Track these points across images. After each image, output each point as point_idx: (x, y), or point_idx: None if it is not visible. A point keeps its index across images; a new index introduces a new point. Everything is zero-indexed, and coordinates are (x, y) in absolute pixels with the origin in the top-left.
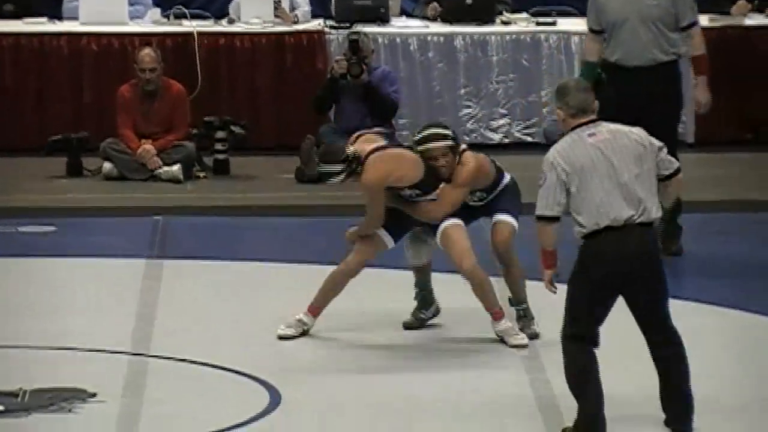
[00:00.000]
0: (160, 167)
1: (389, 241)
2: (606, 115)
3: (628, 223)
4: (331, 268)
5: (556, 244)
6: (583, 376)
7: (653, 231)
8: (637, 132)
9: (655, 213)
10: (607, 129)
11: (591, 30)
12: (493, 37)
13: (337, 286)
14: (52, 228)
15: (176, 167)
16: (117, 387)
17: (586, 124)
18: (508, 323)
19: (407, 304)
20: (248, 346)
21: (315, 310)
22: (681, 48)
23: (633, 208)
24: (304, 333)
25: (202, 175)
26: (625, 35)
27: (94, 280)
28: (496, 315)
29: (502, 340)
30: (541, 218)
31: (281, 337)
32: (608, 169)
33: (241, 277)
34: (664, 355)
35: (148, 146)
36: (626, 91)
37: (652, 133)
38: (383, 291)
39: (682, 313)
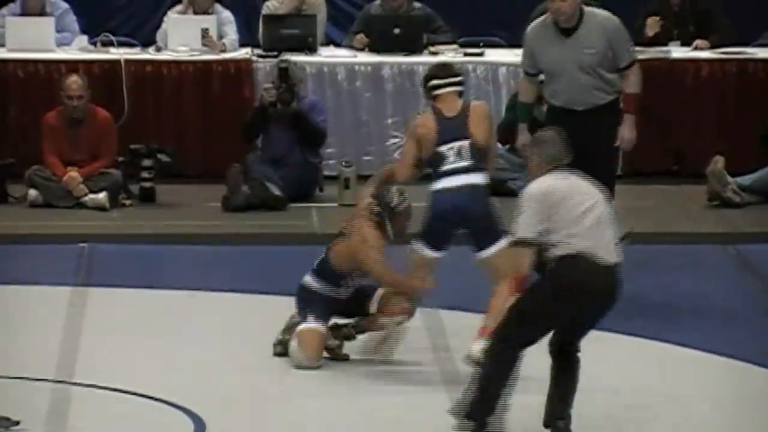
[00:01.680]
0: (86, 195)
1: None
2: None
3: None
4: (257, 297)
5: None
6: (510, 382)
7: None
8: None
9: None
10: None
11: (526, 72)
12: (420, 67)
13: None
14: None
15: (102, 195)
16: (40, 415)
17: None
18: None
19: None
20: (172, 374)
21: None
22: (621, 85)
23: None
24: None
25: (128, 202)
26: (565, 83)
27: (18, 306)
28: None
29: None
30: (520, 242)
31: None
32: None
33: (167, 305)
34: (572, 364)
35: (73, 173)
36: (575, 133)
37: (595, 170)
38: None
39: (602, 343)
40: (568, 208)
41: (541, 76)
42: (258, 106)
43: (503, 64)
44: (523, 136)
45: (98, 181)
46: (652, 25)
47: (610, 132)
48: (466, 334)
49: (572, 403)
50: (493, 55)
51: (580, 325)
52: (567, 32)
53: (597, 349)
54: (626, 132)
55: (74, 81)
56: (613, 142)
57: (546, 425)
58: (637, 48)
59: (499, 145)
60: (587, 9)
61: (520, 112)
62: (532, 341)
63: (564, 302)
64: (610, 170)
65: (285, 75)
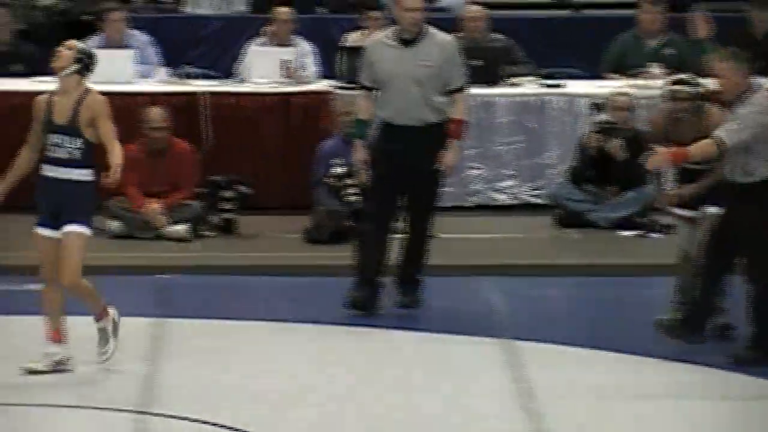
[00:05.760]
0: (166, 226)
1: None
2: (376, 172)
3: None
4: (335, 328)
5: None
6: None
7: None
8: None
9: None
10: None
11: (363, 87)
12: (499, 99)
13: None
14: None
15: (183, 226)
16: None
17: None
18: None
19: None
20: (251, 404)
21: None
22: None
23: None
24: None
25: (208, 234)
26: (395, 94)
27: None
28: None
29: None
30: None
31: None
32: None
33: (246, 336)
34: None
35: (154, 204)
36: (395, 149)
37: (418, 194)
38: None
39: None
40: None
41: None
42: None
43: (582, 96)
44: (361, 153)
45: (179, 212)
46: None
47: (436, 155)
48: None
49: None
50: (573, 86)
51: None
52: (407, 43)
53: None
54: (450, 158)
55: (156, 112)
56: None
57: None
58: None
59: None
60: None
61: (357, 130)
62: None
63: None
64: (433, 195)
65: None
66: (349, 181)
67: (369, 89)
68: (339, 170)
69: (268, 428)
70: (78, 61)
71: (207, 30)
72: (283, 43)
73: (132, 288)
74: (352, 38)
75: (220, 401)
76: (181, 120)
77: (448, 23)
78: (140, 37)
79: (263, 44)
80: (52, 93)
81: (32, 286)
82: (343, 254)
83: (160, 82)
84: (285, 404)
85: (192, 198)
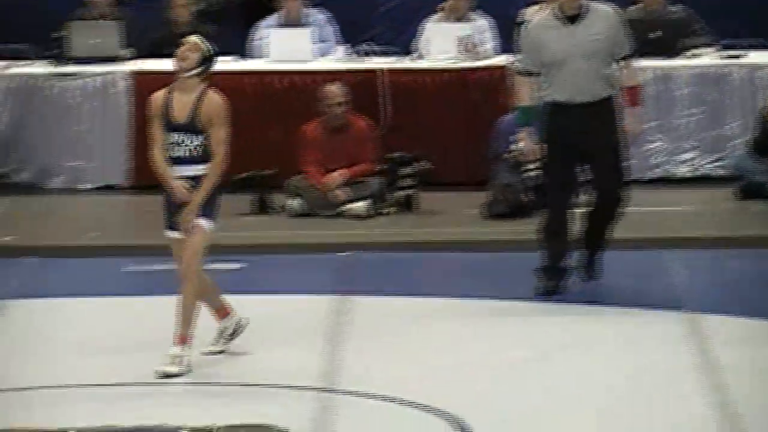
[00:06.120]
0: (344, 202)
1: None
2: (553, 154)
3: None
4: (516, 304)
5: None
6: None
7: None
8: None
9: None
10: None
11: (526, 72)
12: (678, 71)
13: None
14: (239, 265)
15: (363, 203)
16: (306, 423)
17: None
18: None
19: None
20: (435, 380)
21: None
22: (618, 80)
23: None
24: None
25: (389, 210)
26: (569, 73)
27: (281, 316)
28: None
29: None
30: None
31: None
32: None
33: (428, 312)
34: None
35: (334, 175)
36: (573, 129)
37: (602, 178)
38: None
39: None
40: None
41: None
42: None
43: (763, 66)
44: (529, 142)
45: (359, 190)
46: None
47: (613, 128)
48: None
49: None
50: (753, 57)
51: None
52: (572, 20)
53: None
54: (634, 125)
55: (335, 88)
56: (617, 139)
57: None
58: None
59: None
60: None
61: (523, 118)
62: None
63: None
64: (617, 169)
65: None
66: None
67: (530, 74)
68: (518, 145)
69: (451, 404)
70: (202, 63)
71: (385, 7)
72: (461, 19)
73: (313, 266)
74: (530, 12)
75: (403, 378)
76: (360, 97)
77: None
78: (318, 14)
79: (441, 20)
80: (168, 90)
81: (212, 266)
82: (523, 229)
83: (338, 60)
84: (465, 380)
85: (372, 173)
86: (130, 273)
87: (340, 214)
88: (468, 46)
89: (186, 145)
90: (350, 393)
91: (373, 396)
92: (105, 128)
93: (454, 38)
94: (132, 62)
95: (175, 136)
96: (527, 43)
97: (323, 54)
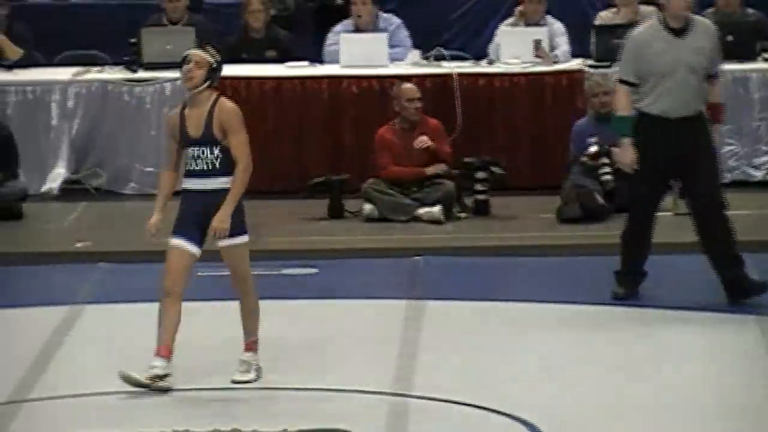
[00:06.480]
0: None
1: None
2: (646, 166)
3: None
4: (591, 308)
5: None
6: None
7: None
8: None
9: None
10: None
11: (628, 82)
12: (754, 75)
13: None
14: (314, 270)
15: (437, 208)
16: (379, 427)
17: None
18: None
19: None
20: (510, 385)
21: None
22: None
23: None
24: None
25: (462, 215)
26: (673, 86)
27: (355, 321)
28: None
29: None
30: None
31: None
32: None
33: (502, 317)
34: None
35: (424, 137)
36: (671, 142)
37: (701, 184)
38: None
39: None
40: None
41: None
42: None
43: None
44: (630, 152)
45: (432, 193)
46: None
47: (709, 142)
48: None
49: None
50: None
51: None
52: (679, 32)
53: None
54: (715, 141)
55: (410, 86)
56: (713, 153)
57: None
58: None
59: None
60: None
61: (622, 128)
62: None
63: None
64: (716, 183)
65: None
66: (604, 160)
67: (631, 84)
68: (593, 149)
69: (526, 409)
70: (209, 76)
71: (458, 11)
72: (534, 23)
73: (387, 271)
74: (604, 16)
75: (477, 382)
76: (434, 101)
77: None
78: (392, 19)
79: (514, 24)
80: (182, 107)
81: (286, 271)
82: (596, 233)
83: (412, 64)
84: (538, 385)
85: (450, 167)
86: (205, 277)
87: (414, 219)
88: (541, 50)
89: (204, 158)
90: (422, 398)
91: (446, 400)
92: None
93: (527, 42)
94: None
95: (193, 151)
96: (631, 52)
97: (396, 59)
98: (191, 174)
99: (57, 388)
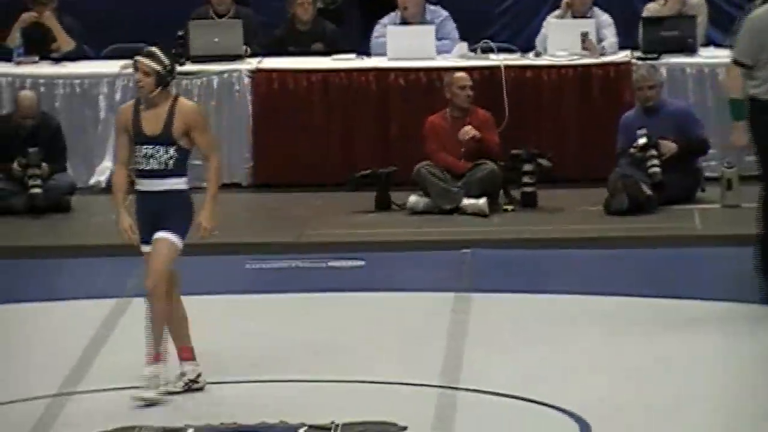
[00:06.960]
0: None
1: None
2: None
3: None
4: (641, 301)
5: None
6: None
7: None
8: None
9: None
10: None
11: (742, 65)
12: None
13: None
14: (361, 262)
15: (482, 201)
16: (427, 421)
17: None
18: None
19: None
20: (557, 378)
21: None
22: None
23: None
24: None
25: (509, 208)
26: None
27: (402, 313)
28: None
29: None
30: None
31: None
32: None
33: (549, 309)
34: None
35: (467, 128)
36: None
37: None
38: None
39: None
40: None
41: None
42: None
43: None
44: (744, 136)
45: (475, 173)
46: None
47: None
48: None
49: None
50: None
51: None
52: None
53: None
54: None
55: (463, 73)
56: None
57: None
58: None
59: None
60: None
61: (737, 111)
62: None
63: None
64: None
65: None
66: (652, 152)
67: (744, 66)
68: (642, 141)
69: (572, 402)
70: (159, 81)
71: (505, 3)
72: (581, 15)
73: (433, 263)
74: (651, 8)
75: (523, 375)
76: (482, 94)
77: None
78: (439, 11)
79: (561, 16)
80: (137, 102)
81: (333, 263)
82: (643, 225)
83: (460, 57)
84: (589, 377)
85: (499, 155)
86: (253, 270)
87: (460, 211)
88: (588, 43)
89: (158, 158)
90: (470, 390)
91: (494, 393)
92: (226, 127)
93: (574, 34)
94: (252, 60)
95: (147, 149)
96: (750, 33)
97: (444, 51)
98: (143, 174)
99: (103, 381)
